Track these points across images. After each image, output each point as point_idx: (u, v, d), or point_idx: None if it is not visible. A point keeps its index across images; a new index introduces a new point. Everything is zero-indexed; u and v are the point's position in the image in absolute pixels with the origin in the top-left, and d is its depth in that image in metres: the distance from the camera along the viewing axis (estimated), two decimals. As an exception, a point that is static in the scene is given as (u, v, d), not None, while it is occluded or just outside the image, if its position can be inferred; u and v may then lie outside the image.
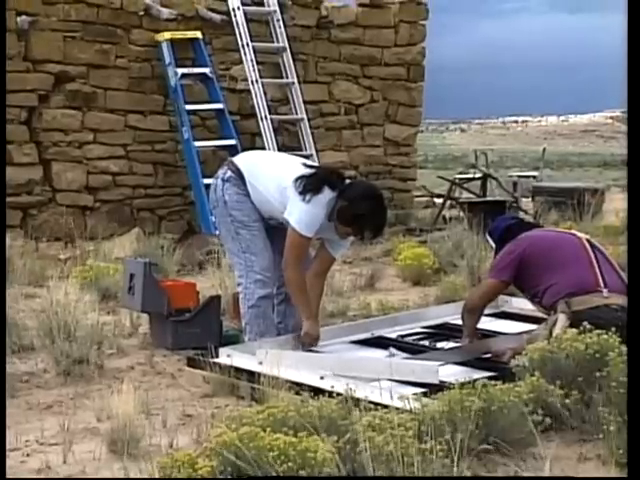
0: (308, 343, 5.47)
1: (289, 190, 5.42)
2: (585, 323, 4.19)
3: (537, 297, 5.01)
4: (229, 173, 5.67)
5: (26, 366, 5.44)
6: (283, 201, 5.47)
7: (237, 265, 5.70)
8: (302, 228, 5.38)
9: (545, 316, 5.04)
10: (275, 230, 5.63)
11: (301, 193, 5.37)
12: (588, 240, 5.03)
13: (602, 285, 4.80)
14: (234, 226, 5.63)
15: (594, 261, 4.90)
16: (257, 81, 11.24)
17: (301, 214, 5.37)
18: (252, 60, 11.25)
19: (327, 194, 5.40)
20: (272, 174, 5.59)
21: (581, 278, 4.83)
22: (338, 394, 3.91)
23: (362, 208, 5.39)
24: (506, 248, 5.15)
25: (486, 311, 6.44)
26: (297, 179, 5.41)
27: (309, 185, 5.38)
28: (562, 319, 4.74)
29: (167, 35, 10.84)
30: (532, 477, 3.55)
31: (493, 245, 5.44)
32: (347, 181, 5.62)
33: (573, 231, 5.19)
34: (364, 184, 5.94)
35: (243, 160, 5.80)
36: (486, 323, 6.15)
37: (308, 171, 5.50)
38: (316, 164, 5.94)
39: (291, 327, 5.69)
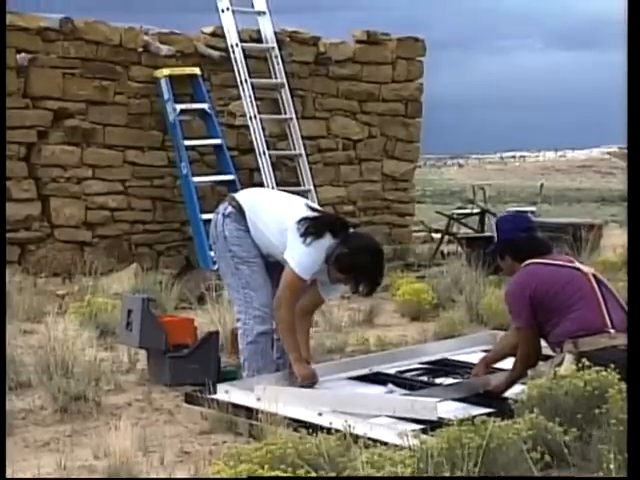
0: (310, 384, 5.44)
1: (290, 231, 5.42)
2: (584, 360, 4.18)
3: (544, 334, 4.97)
4: (230, 209, 5.68)
5: (23, 403, 5.42)
6: (283, 241, 5.47)
7: (236, 301, 5.69)
8: (301, 270, 5.37)
9: (552, 353, 5.01)
10: (274, 266, 5.62)
11: (302, 235, 5.36)
12: (594, 275, 4.98)
13: (609, 325, 4.76)
14: (234, 261, 5.62)
15: (601, 299, 4.85)
16: (255, 117, 11.29)
17: (301, 256, 5.37)
18: (250, 96, 11.30)
19: (328, 240, 5.40)
20: (274, 213, 5.59)
21: (588, 319, 4.79)
22: (337, 430, 3.89)
23: (361, 260, 5.39)
24: (515, 287, 5.01)
25: (487, 347, 6.42)
26: (300, 220, 5.40)
27: (312, 228, 5.37)
28: (568, 359, 4.69)
29: (166, 71, 10.89)
30: (533, 477, 3.53)
31: (495, 238, 5.29)
32: (351, 230, 5.62)
33: (578, 265, 5.09)
34: (368, 237, 5.91)
35: (245, 196, 5.80)
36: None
37: (312, 214, 5.49)
38: (320, 208, 5.91)
39: (290, 363, 5.66)
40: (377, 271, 5.49)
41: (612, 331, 4.73)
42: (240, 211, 5.63)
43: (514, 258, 5.15)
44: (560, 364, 4.70)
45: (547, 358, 5.02)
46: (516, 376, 4.99)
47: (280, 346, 5.70)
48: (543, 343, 5.04)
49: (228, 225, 5.64)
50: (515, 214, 5.52)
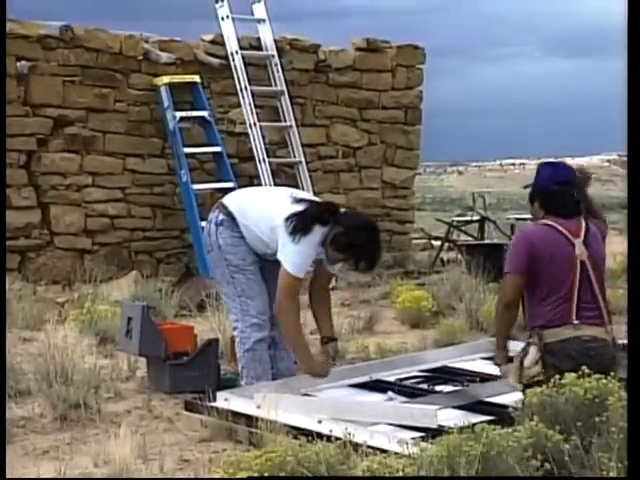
0: (324, 375, 5.50)
1: (278, 229, 5.39)
2: (584, 367, 4.18)
3: (524, 309, 5.03)
4: (221, 216, 5.66)
5: (22, 411, 5.41)
6: (275, 239, 5.45)
7: (233, 309, 5.69)
8: (295, 270, 5.35)
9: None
10: (273, 266, 5.58)
11: (291, 233, 5.33)
12: (583, 262, 4.96)
13: (574, 317, 4.81)
14: (229, 270, 5.61)
15: (576, 290, 4.87)
16: (255, 124, 11.30)
17: (292, 255, 5.34)
18: (250, 103, 11.31)
19: (318, 231, 5.36)
20: (262, 211, 5.57)
21: (557, 310, 4.85)
22: (336, 438, 3.88)
23: (358, 238, 5.36)
24: (519, 237, 5.11)
25: (482, 355, 6.42)
26: (287, 219, 5.36)
27: (299, 225, 5.33)
28: (532, 352, 4.81)
29: (166, 79, 10.91)
30: (534, 477, 3.52)
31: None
32: (342, 210, 5.60)
33: (578, 242, 5.03)
34: (361, 214, 5.92)
35: (232, 200, 5.77)
36: (482, 366, 6.13)
37: (297, 208, 5.42)
38: (306, 197, 5.80)
39: (282, 371, 5.66)
40: (375, 247, 5.46)
41: (576, 322, 4.78)
42: (231, 217, 5.62)
43: (540, 206, 5.13)
44: (525, 356, 4.80)
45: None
46: (498, 323, 5.09)
47: (270, 355, 5.68)
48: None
49: (222, 233, 5.62)
50: (560, 164, 5.39)
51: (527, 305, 4.97)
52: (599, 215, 5.77)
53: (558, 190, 5.08)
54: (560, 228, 4.97)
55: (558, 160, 5.32)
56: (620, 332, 5.03)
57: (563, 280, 4.88)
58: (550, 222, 5.01)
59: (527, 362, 4.78)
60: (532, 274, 4.90)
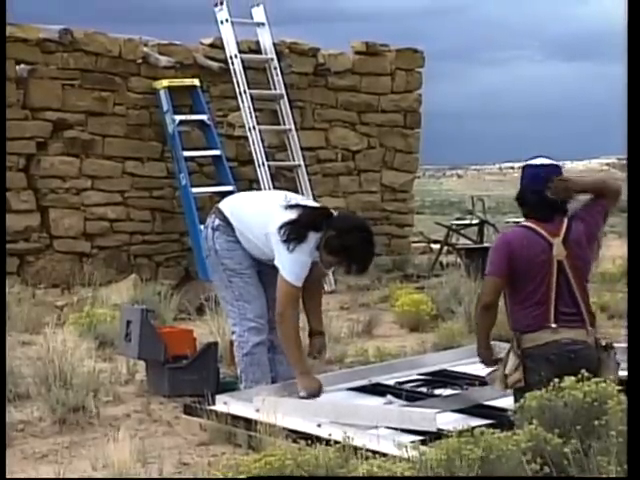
0: (317, 395, 5.42)
1: (272, 237, 5.39)
2: (584, 371, 4.19)
3: (507, 313, 5.03)
4: (217, 221, 5.67)
5: (21, 414, 5.41)
6: (269, 245, 5.45)
7: (230, 313, 5.69)
8: (293, 279, 5.35)
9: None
10: (267, 274, 5.58)
11: (285, 242, 5.33)
12: (560, 263, 4.92)
13: (552, 320, 4.81)
14: (226, 274, 5.62)
15: (553, 293, 4.85)
16: (254, 128, 11.30)
17: (289, 265, 5.35)
18: (249, 107, 11.32)
19: (312, 238, 5.37)
20: (255, 218, 5.57)
21: (535, 314, 4.83)
22: (336, 442, 3.88)
23: (351, 239, 5.36)
24: (500, 240, 5.07)
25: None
26: (281, 227, 5.35)
27: (292, 234, 5.33)
28: (512, 358, 4.80)
29: (165, 83, 10.91)
30: (534, 477, 3.52)
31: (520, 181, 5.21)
32: (335, 214, 5.59)
33: (557, 243, 4.99)
34: (353, 217, 5.91)
35: (228, 205, 5.78)
36: (481, 370, 6.13)
37: (290, 216, 5.40)
38: (300, 202, 5.69)
39: (282, 374, 5.66)
40: (367, 249, 5.45)
41: (554, 326, 4.77)
42: (227, 222, 5.62)
43: (522, 213, 5.13)
44: (506, 364, 4.80)
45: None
46: (478, 325, 5.06)
47: (269, 359, 5.68)
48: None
49: (218, 238, 5.63)
50: (542, 167, 5.24)
51: (509, 308, 4.97)
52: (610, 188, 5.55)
53: (533, 199, 5.03)
54: (538, 229, 4.97)
55: (541, 162, 5.18)
56: (619, 335, 5.02)
57: (540, 283, 4.86)
58: (529, 224, 5.01)
59: (507, 369, 4.78)
60: (510, 276, 4.90)
